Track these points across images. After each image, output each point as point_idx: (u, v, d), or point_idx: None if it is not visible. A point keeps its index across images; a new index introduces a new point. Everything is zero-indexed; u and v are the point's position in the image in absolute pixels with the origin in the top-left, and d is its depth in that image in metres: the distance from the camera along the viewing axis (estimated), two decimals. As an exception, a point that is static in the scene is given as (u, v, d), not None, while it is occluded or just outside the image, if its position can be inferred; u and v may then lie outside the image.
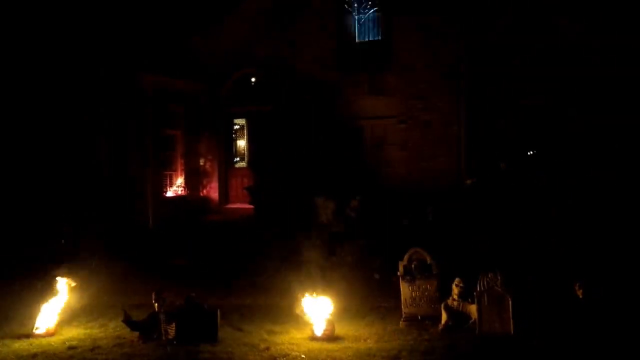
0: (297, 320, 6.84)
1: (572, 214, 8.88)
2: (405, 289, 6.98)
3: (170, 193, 13.98)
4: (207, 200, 14.41)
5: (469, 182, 10.85)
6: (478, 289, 6.54)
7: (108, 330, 6.68)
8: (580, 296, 6.50)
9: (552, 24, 10.88)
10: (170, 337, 6.20)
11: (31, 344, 6.22)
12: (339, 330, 6.43)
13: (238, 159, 14.86)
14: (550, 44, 10.87)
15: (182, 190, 14.20)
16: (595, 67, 10.37)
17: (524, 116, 11.65)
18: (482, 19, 11.55)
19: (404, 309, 6.93)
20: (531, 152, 11.49)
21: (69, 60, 13.47)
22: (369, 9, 12.20)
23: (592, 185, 9.30)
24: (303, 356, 5.76)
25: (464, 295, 6.69)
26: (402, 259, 7.10)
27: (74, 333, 6.57)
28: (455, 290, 6.75)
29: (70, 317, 6.91)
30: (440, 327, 6.61)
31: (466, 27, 11.34)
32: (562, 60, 10.76)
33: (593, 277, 6.74)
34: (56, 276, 7.34)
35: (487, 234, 8.74)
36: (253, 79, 14.15)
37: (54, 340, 6.34)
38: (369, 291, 8.07)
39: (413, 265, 7.02)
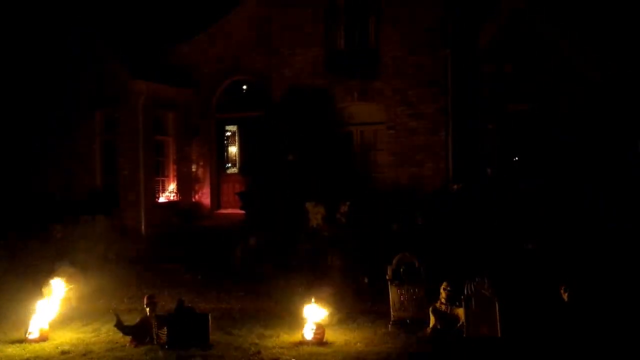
0: (287, 324, 6.93)
1: (555, 219, 9.02)
2: (394, 293, 7.06)
3: (162, 199, 14.04)
4: (199, 205, 14.48)
5: (455, 187, 10.98)
6: (465, 292, 6.63)
7: (100, 334, 6.72)
8: (566, 299, 6.63)
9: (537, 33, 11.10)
10: (162, 341, 6.25)
11: (24, 349, 6.26)
12: (329, 334, 6.49)
13: (230, 165, 14.96)
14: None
15: (174, 196, 14.27)
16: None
17: (510, 122, 11.87)
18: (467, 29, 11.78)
19: (393, 313, 7.01)
20: (517, 158, 11.68)
21: (63, 65, 13.58)
22: (358, 16, 12.36)
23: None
24: (293, 360, 5.84)
25: (452, 299, 6.76)
26: (391, 263, 7.20)
27: (67, 338, 6.61)
28: (443, 294, 6.82)
29: (63, 322, 6.95)
30: (429, 330, 6.67)
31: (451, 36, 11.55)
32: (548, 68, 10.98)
33: (577, 280, 6.88)
34: (50, 280, 7.39)
35: (474, 238, 8.87)
36: (244, 87, 14.29)
37: (47, 345, 6.38)
38: (358, 295, 8.16)
39: (402, 270, 7.10)
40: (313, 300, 6.67)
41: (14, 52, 13.61)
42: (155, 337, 6.29)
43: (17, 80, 13.62)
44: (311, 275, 8.23)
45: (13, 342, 6.46)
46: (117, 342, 6.38)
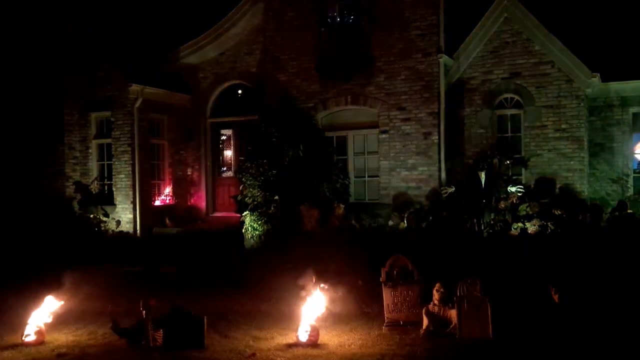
0: (282, 326, 6.99)
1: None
2: (387, 295, 7.12)
3: (158, 202, 14.11)
4: (194, 208, 14.55)
5: (447, 190, 11.10)
6: (457, 294, 6.67)
7: (97, 337, 6.75)
8: (557, 300, 6.72)
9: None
10: (158, 344, 6.29)
11: (20, 352, 6.27)
12: (324, 336, 6.54)
13: (225, 168, 15.04)
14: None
15: (169, 199, 14.34)
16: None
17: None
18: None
19: (387, 315, 7.06)
20: (509, 161, 11.80)
21: (60, 68, 13.63)
22: (351, 22, 12.47)
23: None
24: (288, 362, 5.88)
25: (445, 301, 6.80)
26: (384, 266, 7.27)
27: (63, 340, 6.63)
28: (435, 296, 6.86)
29: (59, 324, 6.96)
30: (422, 332, 6.71)
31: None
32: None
33: (567, 282, 6.98)
34: (46, 283, 7.42)
35: (465, 240, 8.96)
36: (239, 91, 14.39)
37: (43, 348, 6.39)
38: (352, 297, 8.21)
39: (395, 272, 7.15)
40: (308, 302, 6.73)
41: (10, 54, 13.65)
42: (151, 340, 6.33)
43: (13, 82, 13.66)
44: (305, 277, 8.27)
45: (9, 345, 6.47)
46: (113, 345, 6.41)
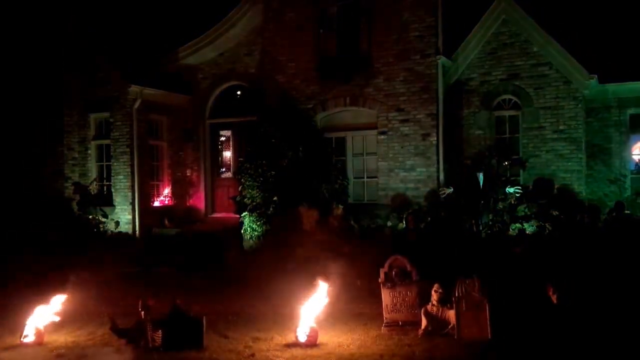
0: (281, 326, 7.00)
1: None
2: (386, 296, 7.14)
3: (157, 203, 14.12)
4: (193, 209, 14.57)
5: (445, 191, 11.12)
6: (456, 294, 6.69)
7: (96, 337, 6.76)
8: (555, 301, 6.75)
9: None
10: (156, 344, 6.31)
11: (19, 353, 6.29)
12: (322, 336, 6.55)
13: (224, 169, 15.06)
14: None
15: (168, 200, 14.36)
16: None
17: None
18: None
19: (385, 315, 7.09)
20: (507, 162, 11.83)
21: (59, 69, 13.65)
22: (350, 23, 12.51)
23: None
24: (287, 362, 5.90)
25: (443, 301, 6.81)
26: (383, 266, 7.30)
27: (62, 341, 6.65)
28: (434, 296, 6.88)
29: (58, 325, 6.97)
30: (420, 332, 6.73)
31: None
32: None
33: (565, 282, 7.00)
34: (45, 283, 7.43)
35: (464, 241, 8.98)
36: (238, 92, 14.41)
37: (42, 348, 6.41)
38: (351, 298, 8.24)
39: (393, 272, 7.18)
40: (306, 302, 6.75)
41: (10, 54, 13.67)
42: (150, 340, 6.34)
43: (13, 82, 13.68)
44: (304, 278, 8.30)
45: (8, 346, 6.48)
46: (112, 345, 6.42)
